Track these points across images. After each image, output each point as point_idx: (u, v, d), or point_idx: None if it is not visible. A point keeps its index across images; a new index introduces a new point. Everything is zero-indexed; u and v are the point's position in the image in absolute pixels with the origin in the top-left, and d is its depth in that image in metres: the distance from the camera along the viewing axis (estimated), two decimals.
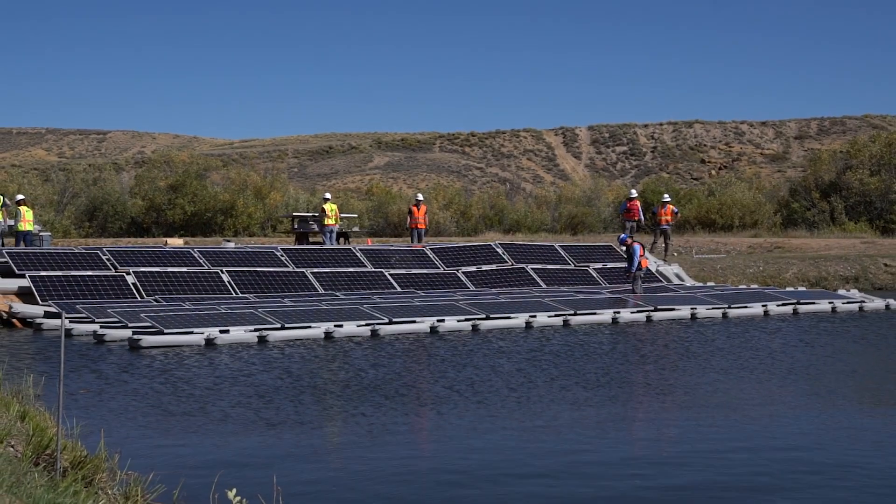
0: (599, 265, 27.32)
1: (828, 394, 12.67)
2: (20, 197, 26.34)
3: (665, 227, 29.51)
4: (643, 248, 24.03)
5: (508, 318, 19.86)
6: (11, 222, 26.18)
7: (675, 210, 30.23)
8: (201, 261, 23.35)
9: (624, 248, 24.05)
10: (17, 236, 25.49)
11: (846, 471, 8.69)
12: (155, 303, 20.52)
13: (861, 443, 9.78)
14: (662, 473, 8.63)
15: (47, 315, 19.38)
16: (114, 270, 22.10)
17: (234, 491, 6.55)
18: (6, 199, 26.11)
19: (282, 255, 24.53)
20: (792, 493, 8.00)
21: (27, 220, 25.37)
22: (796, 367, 14.78)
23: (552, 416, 10.98)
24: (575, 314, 20.53)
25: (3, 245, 24.15)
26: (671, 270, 28.01)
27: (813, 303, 23.57)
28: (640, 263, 23.66)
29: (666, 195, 32.03)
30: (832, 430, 10.36)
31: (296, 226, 31.71)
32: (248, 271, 23.19)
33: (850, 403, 12.13)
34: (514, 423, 10.68)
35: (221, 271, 22.86)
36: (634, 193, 30.91)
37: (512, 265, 26.29)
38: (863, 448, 9.55)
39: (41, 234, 27.49)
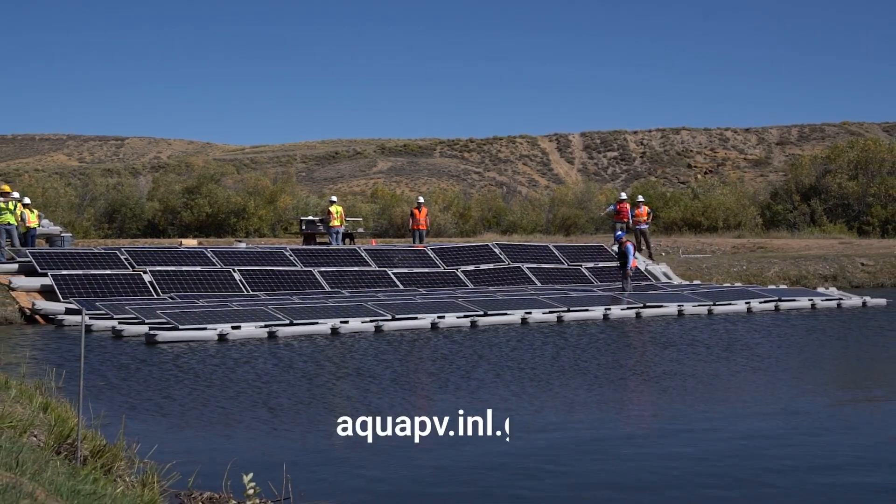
0: (591, 264, 27.29)
1: (795, 381, 13.03)
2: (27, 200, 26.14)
3: (642, 227, 29.02)
4: (634, 247, 23.98)
5: (505, 314, 19.83)
6: (45, 223, 26.13)
7: (650, 211, 29.78)
8: (214, 260, 23.33)
9: (616, 246, 24.00)
10: (24, 236, 25.24)
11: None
12: (170, 300, 20.50)
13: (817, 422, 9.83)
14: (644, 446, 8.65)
15: (68, 312, 19.36)
16: (131, 269, 22.09)
17: (251, 475, 6.56)
18: (24, 198, 26.01)
19: (290, 255, 24.50)
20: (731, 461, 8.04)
21: (31, 221, 25.27)
22: (773, 357, 14.88)
23: (536, 400, 10.99)
24: (568, 311, 20.49)
25: (23, 245, 24.05)
26: (659, 269, 27.97)
27: (793, 300, 23.54)
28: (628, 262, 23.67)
29: (640, 196, 31.61)
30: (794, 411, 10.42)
31: (304, 227, 31.68)
32: (258, 270, 23.17)
33: (817, 388, 12.40)
34: (502, 405, 10.68)
35: (233, 270, 22.84)
36: (623, 196, 30.75)
37: (508, 264, 26.27)
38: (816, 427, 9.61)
39: (62, 234, 27.45)
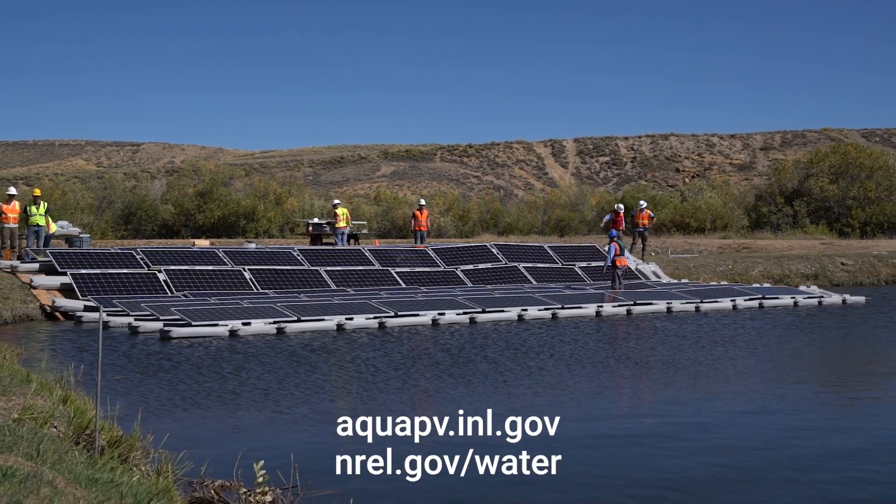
0: (584, 264, 27.29)
1: (774, 370, 13.08)
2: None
3: (642, 229, 29.22)
4: (619, 248, 23.97)
5: (502, 311, 19.84)
6: (61, 225, 26.00)
7: (652, 215, 30.01)
8: (225, 260, 23.34)
9: (608, 244, 24.03)
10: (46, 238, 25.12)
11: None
12: (184, 298, 20.50)
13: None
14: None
15: (86, 309, 19.37)
16: (146, 268, 22.09)
17: (261, 463, 6.58)
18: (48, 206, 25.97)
19: (298, 255, 24.50)
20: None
21: (49, 225, 25.25)
22: (757, 351, 14.89)
23: (526, 392, 11.01)
24: (562, 308, 20.50)
25: (46, 246, 24.06)
26: (649, 269, 27.98)
27: (777, 298, 23.55)
28: (614, 261, 23.69)
29: (642, 201, 31.76)
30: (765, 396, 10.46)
31: (311, 228, 31.70)
32: (267, 269, 23.17)
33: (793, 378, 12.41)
34: (494, 394, 10.69)
35: (244, 269, 22.85)
36: (621, 207, 30.54)
37: (506, 264, 26.27)
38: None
39: (81, 235, 27.44)
